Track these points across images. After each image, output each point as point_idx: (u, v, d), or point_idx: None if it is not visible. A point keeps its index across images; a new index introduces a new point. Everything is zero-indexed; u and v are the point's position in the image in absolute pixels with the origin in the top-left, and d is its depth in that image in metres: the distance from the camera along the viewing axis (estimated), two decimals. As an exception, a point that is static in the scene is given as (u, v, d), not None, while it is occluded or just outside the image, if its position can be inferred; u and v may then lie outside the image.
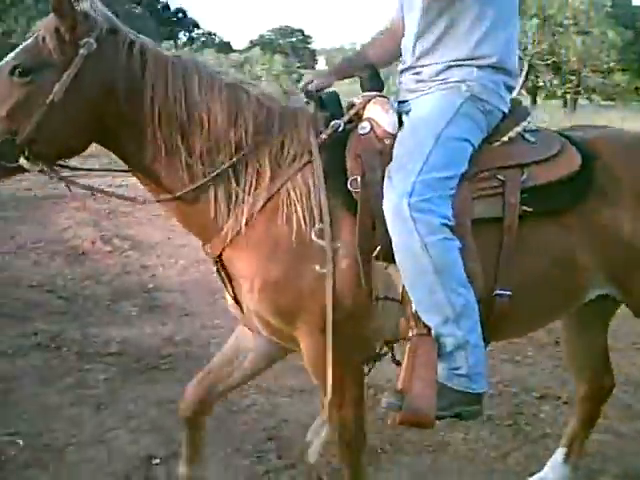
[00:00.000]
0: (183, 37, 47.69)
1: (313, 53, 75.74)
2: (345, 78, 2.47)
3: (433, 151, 2.09)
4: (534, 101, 31.83)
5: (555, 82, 32.10)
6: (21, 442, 3.06)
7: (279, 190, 2.11)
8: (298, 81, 26.66)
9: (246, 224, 2.09)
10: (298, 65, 30.89)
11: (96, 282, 5.47)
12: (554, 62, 29.60)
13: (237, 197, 2.12)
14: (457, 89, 2.21)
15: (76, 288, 5.30)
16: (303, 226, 2.06)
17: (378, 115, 2.21)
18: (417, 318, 2.07)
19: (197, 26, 53.80)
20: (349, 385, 2.18)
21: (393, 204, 2.02)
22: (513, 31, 2.29)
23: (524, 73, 27.24)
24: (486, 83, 2.21)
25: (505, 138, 2.25)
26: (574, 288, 2.28)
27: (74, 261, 6.07)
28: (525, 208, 2.14)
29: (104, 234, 6.90)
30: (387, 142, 2.15)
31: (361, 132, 2.18)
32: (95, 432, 3.17)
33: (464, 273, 2.05)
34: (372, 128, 2.19)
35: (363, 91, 2.29)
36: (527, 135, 2.26)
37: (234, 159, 2.11)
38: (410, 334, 2.07)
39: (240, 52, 31.25)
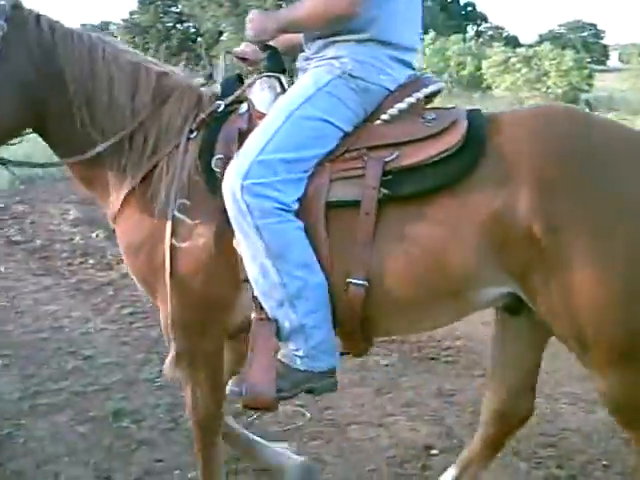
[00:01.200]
0: (471, 31, 47.52)
1: (605, 48, 71.09)
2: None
3: (281, 131, 1.98)
4: None
5: None
6: (308, 414, 3.29)
7: (156, 165, 2.14)
8: (590, 76, 25.18)
9: (127, 196, 2.16)
10: (589, 60, 29.05)
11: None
12: None
13: (125, 169, 2.17)
14: (329, 66, 2.06)
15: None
16: (166, 201, 2.07)
17: (254, 95, 2.17)
18: (257, 302, 2.01)
19: (485, 20, 53.35)
20: (202, 363, 2.17)
21: (228, 185, 1.96)
22: (402, 2, 2.08)
23: None
24: (363, 59, 2.04)
25: (386, 116, 2.05)
26: (453, 283, 1.94)
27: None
28: (385, 191, 1.93)
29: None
30: (258, 122, 2.07)
31: (240, 112, 2.15)
32: (375, 414, 3.29)
33: (307, 256, 1.95)
34: (249, 109, 2.15)
35: (263, 72, 2.22)
36: (427, 112, 2.03)
37: (127, 130, 2.15)
38: (252, 318, 2.03)
39: (528, 47, 30.27)
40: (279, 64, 2.24)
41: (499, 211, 1.85)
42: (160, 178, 2.13)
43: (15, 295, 4.97)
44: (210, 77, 2.47)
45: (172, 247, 2.05)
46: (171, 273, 2.05)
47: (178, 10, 37.84)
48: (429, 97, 2.14)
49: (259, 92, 2.18)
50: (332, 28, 2.08)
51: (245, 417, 3.15)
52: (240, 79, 2.29)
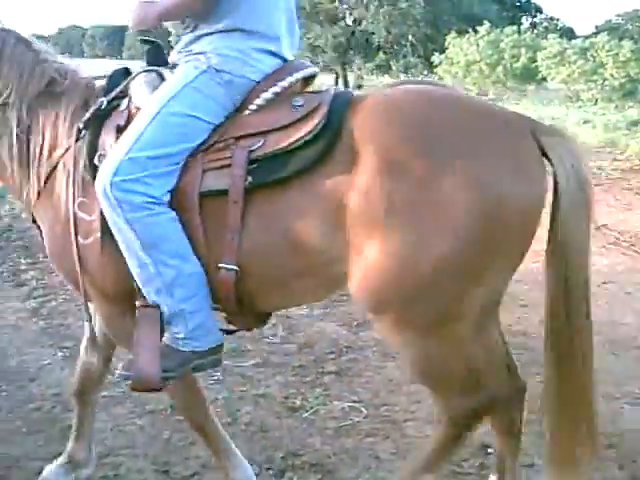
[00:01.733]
0: (525, 22, 46.61)
1: (665, 39, 68.76)
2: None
3: (148, 129, 2.07)
4: None
5: None
6: (364, 410, 3.29)
7: (57, 164, 2.25)
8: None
9: (38, 195, 2.30)
10: (648, 51, 28.18)
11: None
12: None
13: (29, 165, 2.32)
14: (196, 61, 2.16)
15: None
16: (68, 199, 2.18)
17: (133, 90, 2.23)
18: (140, 290, 2.14)
19: (540, 11, 52.21)
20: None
21: (99, 182, 2.06)
22: None
23: None
24: (227, 52, 2.13)
25: (253, 106, 2.13)
26: (318, 265, 2.03)
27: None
28: (250, 179, 2.02)
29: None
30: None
31: (120, 109, 2.23)
32: (432, 411, 3.27)
33: (179, 246, 2.07)
34: (128, 105, 2.23)
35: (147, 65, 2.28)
36: (295, 98, 2.09)
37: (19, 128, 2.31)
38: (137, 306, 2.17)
39: (584, 38, 29.56)
40: (161, 58, 2.30)
41: (346, 195, 1.91)
42: (60, 178, 2.25)
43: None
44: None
45: (78, 245, 2.19)
46: (83, 270, 2.21)
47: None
48: (306, 81, 2.27)
49: (138, 87, 2.24)
50: (193, 15, 2.19)
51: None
52: (127, 72, 2.36)
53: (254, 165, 2.04)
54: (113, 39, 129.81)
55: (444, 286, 1.89)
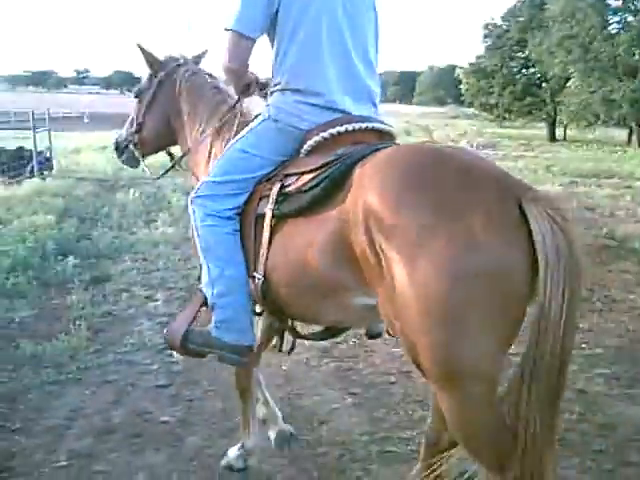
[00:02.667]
0: None
1: None
2: None
3: (220, 161, 2.73)
4: None
5: None
6: None
7: None
8: None
9: None
10: None
11: None
12: None
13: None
14: (264, 112, 2.69)
15: None
16: None
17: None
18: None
19: None
20: None
21: (189, 196, 2.77)
22: (305, 54, 2.55)
23: None
24: (281, 106, 2.61)
25: (304, 151, 2.58)
26: (319, 285, 2.29)
27: None
28: (275, 209, 2.46)
29: None
30: None
31: None
32: None
33: (228, 253, 2.61)
34: None
35: None
36: (340, 149, 2.41)
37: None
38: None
39: None
40: None
41: (343, 231, 2.17)
42: None
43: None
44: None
45: None
46: None
47: (525, 55, 37.55)
48: (382, 133, 2.59)
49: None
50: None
51: None
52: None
53: (281, 197, 2.47)
54: (405, 84, 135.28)
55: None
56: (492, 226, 1.87)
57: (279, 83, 2.63)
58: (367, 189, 2.08)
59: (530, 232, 1.87)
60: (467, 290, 1.86)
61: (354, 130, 2.51)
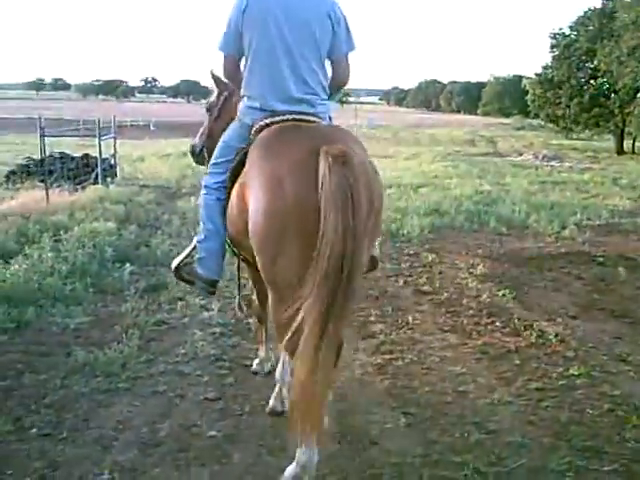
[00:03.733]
0: None
1: None
2: None
3: (215, 151, 3.77)
4: None
5: None
6: None
7: None
8: None
9: None
10: None
11: None
12: None
13: None
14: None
15: None
16: None
17: None
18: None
19: None
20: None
21: None
22: (252, 67, 3.45)
23: None
24: (240, 108, 3.62)
25: (251, 137, 3.49)
26: (242, 229, 3.19)
27: None
28: (232, 178, 3.51)
29: None
30: None
31: None
32: None
33: (211, 213, 3.65)
34: None
35: None
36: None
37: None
38: None
39: None
40: None
41: (242, 188, 3.20)
42: None
43: (422, 349, 4.97)
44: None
45: None
46: None
47: (593, 65, 36.57)
48: (298, 121, 3.34)
49: None
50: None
51: None
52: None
53: (231, 172, 3.52)
54: (469, 94, 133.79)
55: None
56: (293, 171, 2.87)
57: (243, 93, 3.58)
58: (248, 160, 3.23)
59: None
60: (275, 222, 2.88)
61: (275, 122, 3.34)
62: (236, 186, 3.30)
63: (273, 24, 3.32)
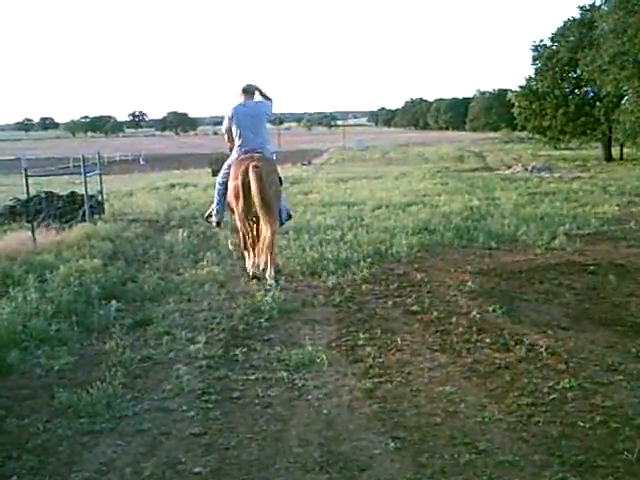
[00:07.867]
0: None
1: None
2: None
3: (223, 169, 8.45)
4: None
5: None
6: None
7: None
8: None
9: None
10: None
11: None
12: None
13: None
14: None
15: None
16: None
17: None
18: None
19: None
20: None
21: None
22: (238, 134, 8.05)
23: None
24: (234, 149, 8.18)
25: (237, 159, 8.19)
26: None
27: None
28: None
29: None
30: None
31: None
32: None
33: (219, 191, 8.34)
34: None
35: None
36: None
37: None
38: None
39: None
40: None
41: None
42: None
43: (411, 371, 4.90)
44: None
45: None
46: None
47: (576, 75, 36.84)
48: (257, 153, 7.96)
49: None
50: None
51: None
52: None
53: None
54: (456, 111, 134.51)
55: None
56: (241, 172, 7.57)
57: (237, 144, 7.99)
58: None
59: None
60: (235, 191, 7.73)
61: (243, 153, 7.85)
62: (230, 178, 7.82)
63: (244, 118, 7.95)
